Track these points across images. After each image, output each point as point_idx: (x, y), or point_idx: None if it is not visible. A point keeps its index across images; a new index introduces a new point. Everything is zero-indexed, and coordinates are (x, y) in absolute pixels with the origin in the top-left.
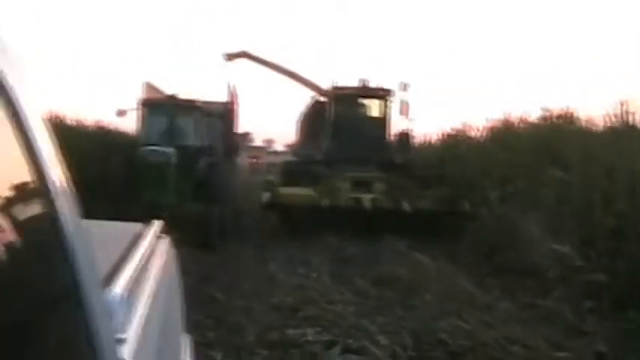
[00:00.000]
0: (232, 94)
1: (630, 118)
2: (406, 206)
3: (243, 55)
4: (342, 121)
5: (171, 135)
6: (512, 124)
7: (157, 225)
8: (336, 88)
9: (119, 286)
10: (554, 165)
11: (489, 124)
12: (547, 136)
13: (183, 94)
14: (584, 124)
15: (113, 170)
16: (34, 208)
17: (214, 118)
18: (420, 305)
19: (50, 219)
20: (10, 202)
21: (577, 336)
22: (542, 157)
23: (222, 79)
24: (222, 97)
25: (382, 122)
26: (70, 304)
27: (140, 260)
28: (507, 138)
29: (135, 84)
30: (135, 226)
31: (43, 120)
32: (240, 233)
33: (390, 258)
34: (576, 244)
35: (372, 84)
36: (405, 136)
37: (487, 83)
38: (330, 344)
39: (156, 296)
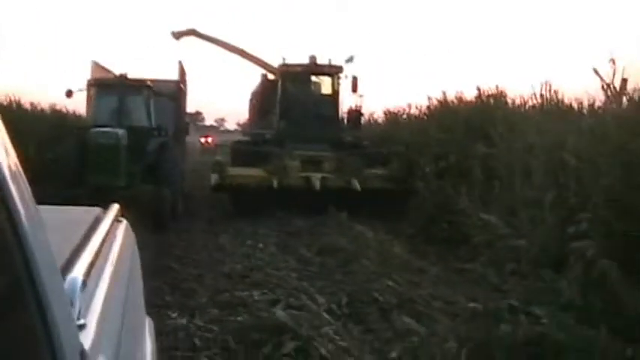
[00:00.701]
0: (181, 73)
1: (553, 97)
2: (356, 184)
3: (191, 32)
4: (292, 99)
5: (120, 116)
6: (449, 102)
7: (114, 209)
8: (284, 66)
9: (78, 271)
10: (483, 141)
11: (428, 103)
12: (477, 114)
13: (133, 74)
14: (514, 102)
15: (63, 154)
16: None
17: (164, 98)
18: (357, 270)
19: (2, 206)
20: None
21: (496, 294)
22: (473, 134)
23: (171, 58)
24: (171, 75)
25: (332, 99)
26: (27, 292)
27: (99, 245)
28: (444, 116)
29: (85, 64)
30: (92, 211)
31: None
32: (192, 212)
33: (334, 230)
34: (502, 213)
35: (323, 60)
36: (355, 114)
37: (438, 59)
38: (274, 303)
39: (116, 281)
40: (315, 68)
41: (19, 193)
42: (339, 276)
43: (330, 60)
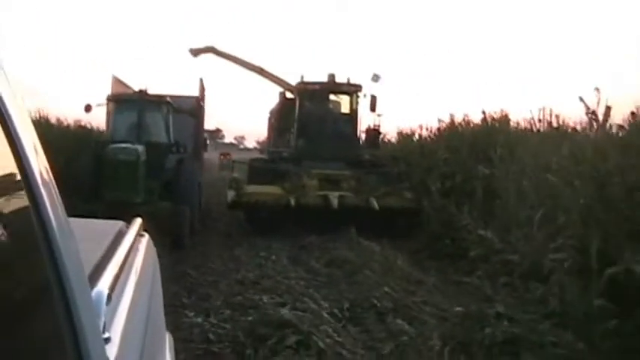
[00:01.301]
0: (201, 90)
1: (552, 121)
2: (373, 203)
3: (210, 50)
4: (310, 118)
5: (139, 131)
6: (456, 125)
7: (137, 223)
8: (302, 84)
9: (103, 284)
10: (484, 162)
11: (438, 125)
12: (481, 137)
13: (152, 90)
14: (518, 125)
15: (81, 169)
16: (19, 206)
17: (183, 114)
18: (361, 281)
19: (36, 217)
20: None
21: (486, 303)
22: (476, 156)
23: (191, 75)
24: (191, 92)
25: (351, 118)
26: (57, 302)
27: (123, 259)
28: (451, 138)
29: (106, 79)
30: (116, 224)
31: (28, 116)
32: (209, 226)
33: (343, 245)
34: (499, 230)
35: (342, 79)
36: (373, 133)
37: (457, 79)
38: (282, 305)
39: (139, 295)
40: (333, 86)
41: (52, 203)
42: (344, 285)
43: (348, 79)
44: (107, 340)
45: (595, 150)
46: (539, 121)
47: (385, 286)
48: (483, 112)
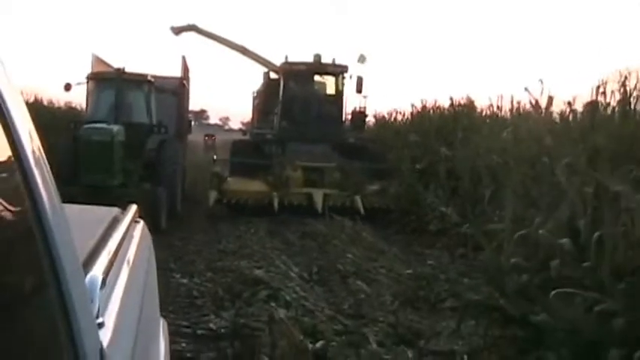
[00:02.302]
0: (184, 69)
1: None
2: (358, 204)
3: (191, 28)
4: (294, 99)
5: (118, 111)
6: (428, 110)
7: (132, 209)
8: (287, 64)
9: (97, 270)
10: (448, 145)
11: (411, 109)
12: (447, 121)
13: (135, 69)
14: (482, 111)
15: (60, 151)
16: (14, 192)
17: (166, 94)
18: (330, 250)
19: (30, 202)
20: None
21: (441, 270)
22: (443, 139)
23: (174, 54)
24: (174, 72)
25: (336, 100)
26: (50, 289)
27: (117, 245)
28: (421, 122)
29: (86, 57)
30: (110, 211)
31: (23, 100)
32: (192, 207)
33: (317, 220)
34: (457, 206)
35: (327, 59)
36: (359, 115)
37: (442, 60)
38: (257, 269)
39: (133, 280)
40: (318, 67)
41: (46, 190)
42: (315, 254)
43: (334, 59)
44: (101, 325)
45: (529, 134)
46: (498, 107)
47: (350, 254)
48: (451, 98)
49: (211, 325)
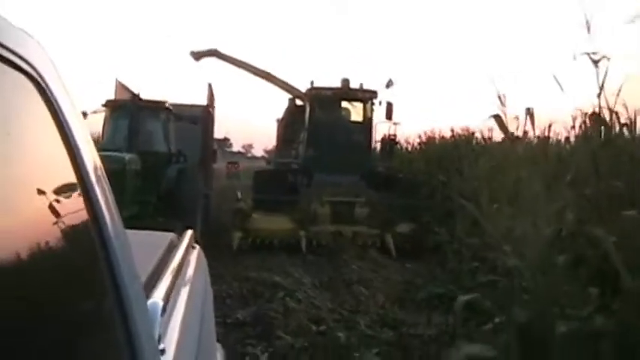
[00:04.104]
0: (210, 96)
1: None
2: (390, 245)
3: (213, 53)
4: (321, 126)
5: (133, 139)
6: (434, 138)
7: (188, 235)
8: (313, 89)
9: (157, 296)
10: (443, 172)
11: (419, 140)
12: (448, 150)
13: (158, 96)
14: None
15: None
16: (79, 217)
17: (187, 122)
18: (339, 264)
19: (95, 228)
20: (53, 208)
21: (429, 278)
22: (442, 167)
23: (196, 81)
24: (195, 99)
25: (364, 127)
26: (115, 313)
27: (175, 270)
28: (426, 150)
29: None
30: (167, 236)
31: (87, 130)
32: (216, 233)
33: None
34: (450, 226)
35: (355, 84)
36: (389, 143)
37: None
38: (276, 277)
39: (191, 306)
40: (346, 93)
41: (110, 216)
42: (325, 266)
43: (361, 84)
44: (162, 351)
45: (504, 159)
46: (489, 137)
47: (355, 267)
48: (451, 129)
49: (238, 316)
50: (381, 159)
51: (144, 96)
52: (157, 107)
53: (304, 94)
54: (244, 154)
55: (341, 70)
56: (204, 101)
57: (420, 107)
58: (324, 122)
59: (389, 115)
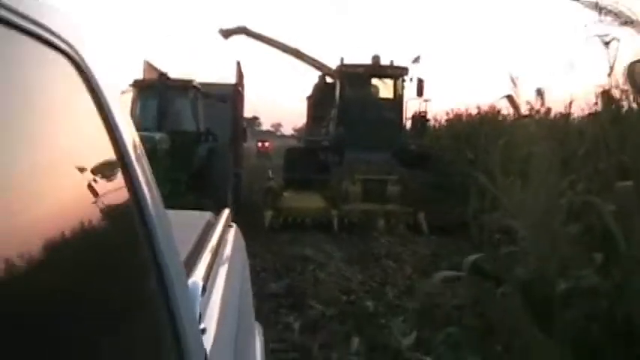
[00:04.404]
0: (239, 75)
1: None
2: (422, 223)
3: (242, 31)
4: (351, 104)
5: (162, 119)
6: (460, 116)
7: (225, 214)
8: (343, 66)
9: (197, 276)
10: (471, 150)
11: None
12: (474, 127)
13: (187, 75)
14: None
15: None
16: (120, 198)
17: (216, 101)
18: (371, 240)
19: (136, 207)
20: (94, 187)
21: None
22: (470, 144)
23: (224, 58)
24: (224, 78)
25: (395, 104)
26: (157, 294)
27: (213, 250)
28: (452, 128)
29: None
30: (204, 215)
31: (128, 112)
32: (248, 212)
33: None
34: (477, 202)
35: (385, 61)
36: (419, 120)
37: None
38: (308, 251)
39: (230, 286)
40: (377, 69)
41: (151, 196)
42: (359, 245)
43: (392, 61)
44: (203, 331)
45: (518, 136)
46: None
47: (385, 241)
48: (477, 107)
49: (272, 287)
50: (412, 136)
51: (172, 75)
52: (185, 86)
53: (334, 71)
54: (274, 133)
55: (371, 47)
56: (233, 80)
57: (449, 84)
58: (354, 99)
59: (420, 92)
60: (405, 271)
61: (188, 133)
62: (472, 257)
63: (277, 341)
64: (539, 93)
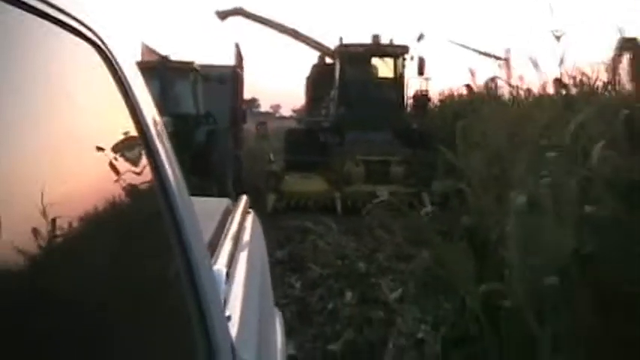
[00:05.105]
0: (238, 57)
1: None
2: (426, 203)
3: (238, 12)
4: (352, 84)
5: (164, 102)
6: (453, 95)
7: (243, 200)
8: (343, 46)
9: (220, 263)
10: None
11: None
12: (463, 107)
13: (186, 58)
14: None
15: None
16: (147, 185)
17: (216, 83)
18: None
19: (161, 194)
20: (118, 169)
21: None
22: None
23: (222, 41)
24: (222, 60)
25: (396, 83)
26: (183, 281)
27: (234, 237)
28: (444, 107)
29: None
30: (222, 202)
31: (152, 99)
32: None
33: None
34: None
35: (385, 40)
36: (421, 99)
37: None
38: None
39: (251, 272)
40: (377, 49)
41: (176, 182)
42: (355, 220)
43: (391, 40)
44: (228, 318)
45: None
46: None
47: (378, 216)
48: (467, 85)
49: (277, 255)
50: (414, 115)
51: (170, 58)
52: (185, 69)
53: (333, 51)
54: (272, 114)
55: (371, 27)
56: (231, 62)
57: (449, 63)
58: (355, 79)
59: (421, 71)
60: (395, 239)
61: (189, 115)
62: (426, 209)
63: (282, 297)
64: (493, 81)
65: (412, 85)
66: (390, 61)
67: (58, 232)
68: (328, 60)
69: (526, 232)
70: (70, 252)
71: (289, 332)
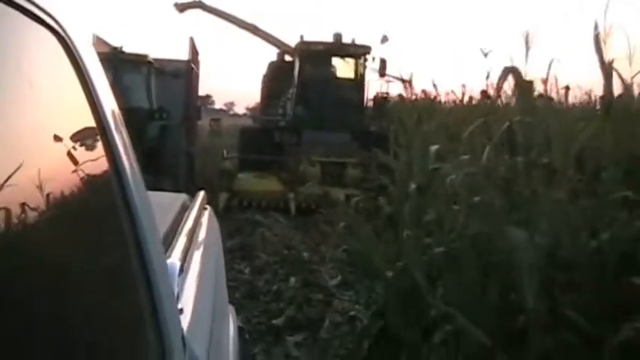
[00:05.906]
0: (193, 51)
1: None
2: (384, 205)
3: (197, 5)
4: (310, 83)
5: (115, 95)
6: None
7: (201, 196)
8: (303, 44)
9: (174, 256)
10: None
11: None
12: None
13: (140, 51)
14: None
15: None
16: (103, 177)
17: (170, 77)
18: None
19: (118, 188)
20: (75, 158)
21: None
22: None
23: (178, 34)
24: (179, 54)
25: (357, 84)
26: (137, 274)
27: (190, 231)
28: (410, 109)
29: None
30: (179, 197)
31: (109, 87)
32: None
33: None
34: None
35: (347, 40)
36: (381, 101)
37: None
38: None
39: (206, 267)
40: (338, 48)
41: (133, 176)
42: (305, 218)
43: (353, 40)
44: (180, 311)
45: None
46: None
47: (323, 211)
48: (423, 91)
49: (227, 244)
50: (373, 117)
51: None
52: (139, 61)
53: (293, 48)
54: (226, 112)
55: (334, 27)
56: (186, 57)
57: (418, 65)
58: (314, 78)
59: (382, 72)
60: (338, 232)
61: (141, 110)
62: (356, 198)
63: (232, 280)
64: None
65: (375, 86)
66: (351, 61)
67: (8, 222)
68: (288, 58)
69: (418, 211)
70: (21, 242)
71: (238, 308)
